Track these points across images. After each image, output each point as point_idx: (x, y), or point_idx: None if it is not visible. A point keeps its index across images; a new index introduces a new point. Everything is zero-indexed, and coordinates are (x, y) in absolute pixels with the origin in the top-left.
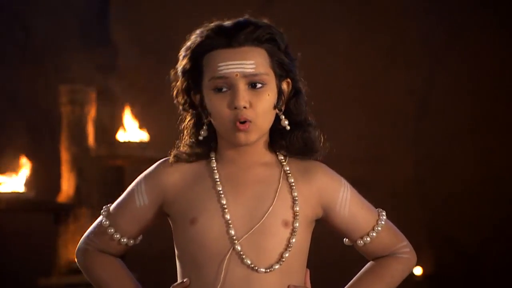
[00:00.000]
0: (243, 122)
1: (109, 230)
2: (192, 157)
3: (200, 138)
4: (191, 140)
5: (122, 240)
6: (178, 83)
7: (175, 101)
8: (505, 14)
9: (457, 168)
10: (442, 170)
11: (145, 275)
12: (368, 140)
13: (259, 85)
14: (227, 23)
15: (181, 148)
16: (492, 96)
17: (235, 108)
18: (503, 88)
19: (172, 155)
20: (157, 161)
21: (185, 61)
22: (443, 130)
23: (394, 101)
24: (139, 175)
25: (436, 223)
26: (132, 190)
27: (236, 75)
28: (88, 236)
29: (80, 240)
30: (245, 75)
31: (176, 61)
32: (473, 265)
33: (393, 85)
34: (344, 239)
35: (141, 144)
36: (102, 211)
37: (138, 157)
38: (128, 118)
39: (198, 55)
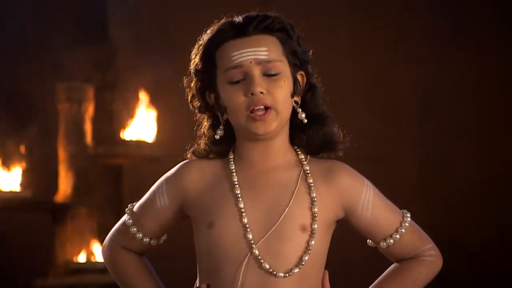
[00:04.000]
0: (262, 112)
1: (132, 229)
2: (210, 154)
3: (217, 137)
4: (208, 141)
5: (145, 239)
6: (192, 84)
7: (190, 106)
8: (510, 10)
9: (461, 168)
10: (445, 170)
11: None
12: (371, 139)
13: (274, 73)
14: (237, 18)
15: (201, 145)
16: (497, 94)
17: (252, 94)
18: (508, 86)
19: (190, 152)
20: (155, 159)
21: (197, 59)
22: (447, 129)
23: (397, 99)
24: (137, 173)
25: (440, 223)
26: (154, 192)
27: (250, 62)
28: (112, 233)
29: (106, 238)
30: (259, 62)
31: (176, 59)
32: (477, 266)
33: (396, 83)
34: (368, 241)
35: (139, 143)
36: (126, 209)
37: (136, 155)
38: (130, 116)
39: (210, 51)
